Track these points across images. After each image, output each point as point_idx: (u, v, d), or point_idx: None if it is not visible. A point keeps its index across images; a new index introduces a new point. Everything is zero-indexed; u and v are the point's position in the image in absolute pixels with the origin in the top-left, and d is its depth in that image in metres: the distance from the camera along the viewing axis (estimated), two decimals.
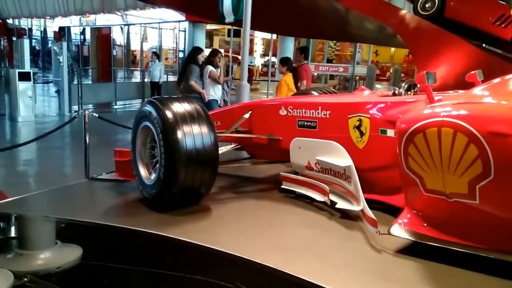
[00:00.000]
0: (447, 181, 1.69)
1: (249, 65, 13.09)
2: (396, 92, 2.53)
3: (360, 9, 7.49)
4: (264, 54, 18.38)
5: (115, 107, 12.80)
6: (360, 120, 2.40)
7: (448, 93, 2.42)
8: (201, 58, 6.42)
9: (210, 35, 19.18)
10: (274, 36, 16.27)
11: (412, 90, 2.48)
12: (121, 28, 19.41)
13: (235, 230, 2.19)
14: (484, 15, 6.79)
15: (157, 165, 2.39)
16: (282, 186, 2.78)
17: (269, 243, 2.00)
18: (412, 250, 1.84)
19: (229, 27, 15.06)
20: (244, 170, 3.50)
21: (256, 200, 2.68)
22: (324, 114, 2.62)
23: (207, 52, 7.53)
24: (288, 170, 2.93)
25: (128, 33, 19.47)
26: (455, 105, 1.77)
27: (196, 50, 6.53)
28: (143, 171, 2.57)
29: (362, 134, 2.39)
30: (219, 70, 6.33)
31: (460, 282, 1.63)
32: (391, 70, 14.75)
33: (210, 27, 17.55)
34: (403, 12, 7.29)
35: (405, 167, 1.86)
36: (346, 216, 2.29)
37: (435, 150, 1.69)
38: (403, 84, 2.57)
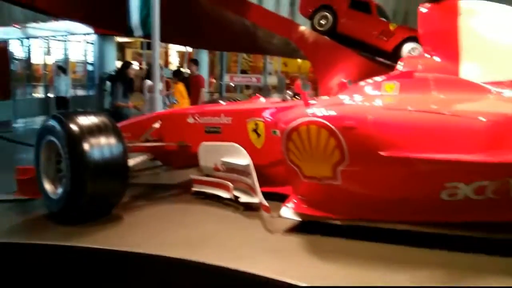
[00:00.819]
0: (318, 168, 2.09)
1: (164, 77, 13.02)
2: (284, 98, 2.94)
3: (265, 25, 8.08)
4: (180, 66, 18.38)
5: (15, 125, 11.73)
6: (256, 124, 2.76)
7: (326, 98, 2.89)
8: (131, 71, 6.50)
9: (121, 47, 18.54)
10: (190, 48, 16.38)
11: (297, 97, 2.90)
12: (21, 41, 17.84)
13: (147, 233, 2.31)
14: (369, 30, 7.78)
15: (64, 179, 2.42)
16: (193, 189, 2.98)
17: (180, 240, 2.16)
18: (299, 227, 2.20)
19: (142, 39, 14.84)
20: (157, 178, 3.63)
21: (168, 205, 2.84)
22: (226, 120, 2.93)
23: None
24: (200, 174, 3.13)
25: (29, 46, 17.96)
26: (320, 107, 2.18)
27: (125, 65, 6.70)
28: (48, 186, 2.57)
29: (259, 135, 2.76)
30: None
31: (336, 246, 2.01)
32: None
33: (122, 39, 17.02)
34: (302, 28, 8.03)
35: (288, 160, 2.22)
36: (249, 208, 2.57)
37: (307, 144, 2.08)
38: (289, 92, 3.00)
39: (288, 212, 2.22)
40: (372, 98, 2.29)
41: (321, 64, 7.82)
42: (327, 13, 7.88)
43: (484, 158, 1.74)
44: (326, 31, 8.01)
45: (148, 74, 6.67)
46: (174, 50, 18.16)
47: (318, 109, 2.13)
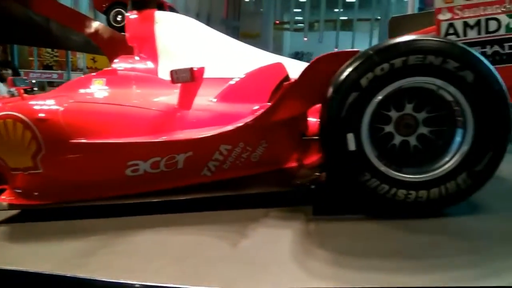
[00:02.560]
0: (20, 159, 2.17)
1: None
2: (12, 94, 2.92)
3: (57, 19, 7.61)
4: None
5: None
6: None
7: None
8: None
9: None
10: None
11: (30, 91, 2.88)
12: None
13: None
14: None
15: None
16: None
17: None
18: (16, 218, 2.27)
19: None
20: None
21: None
22: None
23: None
24: None
25: None
26: (19, 102, 2.27)
27: None
28: None
29: None
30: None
31: (47, 228, 2.10)
32: None
33: None
34: (97, 23, 7.88)
35: None
36: None
37: (5, 137, 2.13)
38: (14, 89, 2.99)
39: (2, 205, 2.28)
40: (79, 92, 2.48)
41: None
42: (122, 10, 8.02)
43: (154, 139, 2.21)
44: (123, 27, 8.10)
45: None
46: None
47: (17, 104, 2.20)
